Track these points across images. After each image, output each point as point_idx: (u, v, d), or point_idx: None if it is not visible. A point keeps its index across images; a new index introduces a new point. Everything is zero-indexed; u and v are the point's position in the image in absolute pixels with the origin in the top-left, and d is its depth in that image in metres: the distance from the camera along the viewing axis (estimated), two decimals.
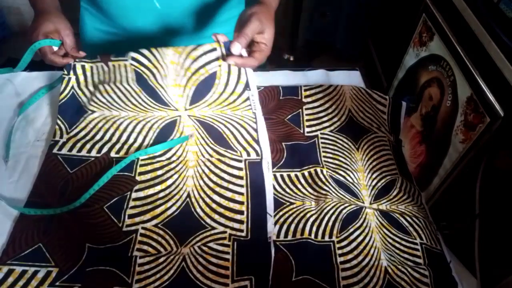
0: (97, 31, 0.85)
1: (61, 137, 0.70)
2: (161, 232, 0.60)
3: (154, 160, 0.68)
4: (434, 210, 0.70)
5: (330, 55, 2.02)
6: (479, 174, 0.61)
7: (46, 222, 0.60)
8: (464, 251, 0.64)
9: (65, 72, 0.73)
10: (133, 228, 0.60)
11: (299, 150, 0.73)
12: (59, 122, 0.71)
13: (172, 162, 0.68)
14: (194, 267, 0.56)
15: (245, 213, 0.63)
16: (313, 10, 1.90)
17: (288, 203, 0.65)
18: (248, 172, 0.67)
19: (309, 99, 0.81)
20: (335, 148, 0.74)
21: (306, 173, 0.69)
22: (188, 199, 0.64)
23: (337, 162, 0.71)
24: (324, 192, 0.66)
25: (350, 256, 0.60)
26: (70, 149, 0.69)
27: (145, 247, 0.59)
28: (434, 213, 0.69)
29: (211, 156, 0.69)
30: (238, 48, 0.63)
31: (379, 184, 0.70)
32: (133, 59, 0.67)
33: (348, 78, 0.87)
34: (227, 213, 0.63)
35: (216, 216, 0.62)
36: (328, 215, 0.63)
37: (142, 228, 0.61)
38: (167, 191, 0.65)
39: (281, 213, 0.64)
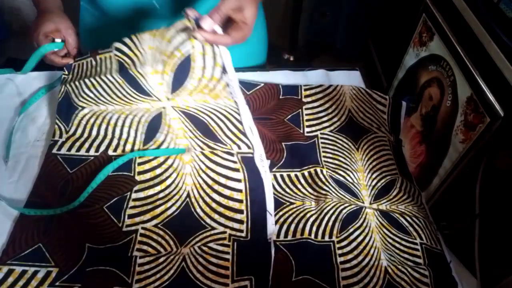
0: (96, 31, 0.85)
1: (60, 136, 0.70)
2: (161, 232, 0.60)
3: (152, 158, 0.68)
4: (434, 210, 0.69)
5: (330, 55, 2.02)
6: (479, 174, 0.61)
7: (46, 222, 0.60)
8: (464, 251, 0.64)
9: (65, 72, 0.73)
10: (133, 228, 0.60)
11: (299, 150, 0.73)
12: (57, 121, 0.71)
13: (169, 158, 0.68)
14: (194, 267, 0.56)
15: (245, 212, 0.63)
16: (313, 10, 1.90)
17: (288, 203, 0.65)
18: (243, 166, 0.67)
19: (309, 99, 0.81)
20: (335, 148, 0.73)
21: (306, 173, 0.69)
22: (188, 199, 0.64)
23: (337, 162, 0.71)
24: (324, 192, 0.66)
25: (350, 256, 0.60)
26: (69, 149, 0.69)
27: (145, 247, 0.59)
28: (434, 213, 0.69)
29: (203, 149, 0.68)
30: (208, 22, 0.59)
31: (379, 184, 0.70)
32: (117, 49, 0.67)
33: (348, 78, 0.87)
34: (227, 213, 0.63)
35: (216, 216, 0.62)
36: (328, 215, 0.63)
37: (142, 228, 0.61)
38: (166, 191, 0.65)
39: (281, 213, 0.64)
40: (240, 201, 0.64)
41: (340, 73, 0.88)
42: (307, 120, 0.78)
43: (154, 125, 0.70)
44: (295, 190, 0.67)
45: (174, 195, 0.64)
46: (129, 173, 0.66)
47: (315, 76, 0.87)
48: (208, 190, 0.65)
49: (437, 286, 0.58)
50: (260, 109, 0.79)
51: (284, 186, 0.68)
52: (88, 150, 0.69)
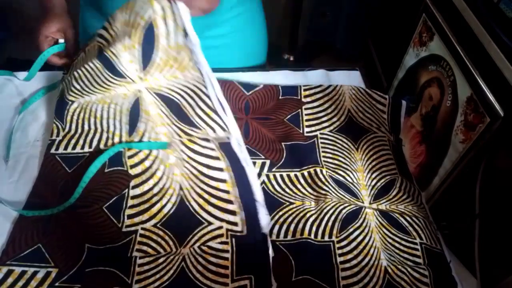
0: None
1: (58, 135, 0.70)
2: (160, 232, 0.60)
3: (138, 150, 0.67)
4: (434, 210, 0.69)
5: (330, 55, 2.02)
6: (479, 174, 0.61)
7: (46, 222, 0.60)
8: (464, 251, 0.64)
9: (65, 72, 0.73)
10: (132, 228, 0.60)
11: (299, 150, 0.73)
12: (54, 120, 0.71)
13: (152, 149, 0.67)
14: (193, 267, 0.56)
15: (235, 202, 0.62)
16: (313, 10, 1.90)
17: (287, 203, 0.65)
18: (222, 153, 0.64)
19: (308, 99, 0.81)
20: (335, 148, 0.73)
21: (305, 173, 0.69)
22: (181, 192, 0.63)
23: (336, 162, 0.71)
24: (323, 192, 0.66)
25: (350, 256, 0.60)
26: (66, 147, 0.69)
27: (145, 248, 0.59)
28: (434, 213, 0.69)
29: (180, 136, 0.67)
30: None
31: (378, 184, 0.70)
32: (98, 35, 0.65)
33: (348, 78, 0.87)
34: (219, 203, 0.62)
35: (210, 208, 0.62)
36: (328, 215, 0.63)
37: (142, 228, 0.60)
38: (160, 185, 0.64)
39: (280, 213, 0.64)
40: (227, 191, 0.62)
41: (340, 73, 0.88)
42: (307, 120, 0.78)
43: (135, 114, 0.68)
44: (295, 190, 0.67)
45: (168, 188, 0.64)
46: (122, 168, 0.66)
47: (315, 76, 0.87)
48: (197, 181, 0.64)
49: (437, 286, 0.58)
50: (259, 110, 0.79)
51: (283, 186, 0.68)
52: (83, 147, 0.68)
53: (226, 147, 0.64)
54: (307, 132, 0.76)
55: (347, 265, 0.59)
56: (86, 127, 0.70)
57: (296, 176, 0.69)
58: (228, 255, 0.58)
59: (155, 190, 0.64)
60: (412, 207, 0.67)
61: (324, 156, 0.72)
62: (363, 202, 0.67)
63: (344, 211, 0.64)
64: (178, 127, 0.66)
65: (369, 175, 0.71)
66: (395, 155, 0.74)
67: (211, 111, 0.65)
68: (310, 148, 0.73)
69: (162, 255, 0.58)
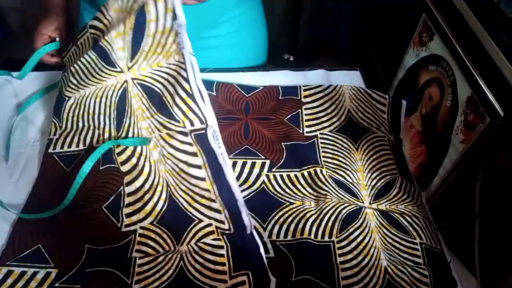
0: None
1: (55, 133, 0.70)
2: (158, 230, 0.60)
3: (125, 147, 0.65)
4: (434, 210, 0.69)
5: (330, 55, 2.02)
6: (479, 174, 0.61)
7: (46, 223, 0.60)
8: (464, 251, 0.64)
9: (64, 71, 0.73)
10: (132, 228, 0.60)
11: (299, 150, 0.72)
12: (53, 119, 0.71)
13: (137, 146, 0.65)
14: (191, 266, 0.56)
15: (217, 201, 0.60)
16: (313, 10, 1.90)
17: (287, 203, 0.65)
18: (199, 148, 0.61)
19: (308, 99, 0.81)
20: (335, 148, 0.73)
21: (305, 173, 0.69)
22: (169, 188, 0.63)
23: (336, 162, 0.71)
24: (323, 192, 0.66)
25: (350, 256, 0.60)
26: (62, 146, 0.68)
27: (144, 248, 0.59)
28: (434, 213, 0.69)
29: (160, 131, 0.63)
30: None
31: (378, 184, 0.70)
32: (91, 26, 0.64)
33: (348, 78, 0.87)
34: (203, 201, 0.60)
35: (197, 205, 0.61)
36: (328, 215, 0.63)
37: (141, 227, 0.60)
38: (149, 181, 0.63)
39: (280, 213, 0.64)
40: (207, 190, 0.60)
41: (340, 73, 0.88)
42: (307, 120, 0.78)
43: (121, 108, 0.66)
44: (295, 190, 0.67)
45: (157, 185, 0.63)
46: (114, 165, 0.65)
47: (315, 76, 0.87)
48: (179, 178, 0.62)
49: (436, 286, 0.58)
50: (259, 110, 0.79)
51: (283, 186, 0.68)
52: (78, 145, 0.68)
53: (202, 141, 0.60)
54: (307, 132, 0.76)
55: (347, 265, 0.59)
56: (80, 124, 0.69)
57: (296, 176, 0.69)
58: (223, 251, 0.58)
59: (146, 187, 0.63)
60: (412, 207, 0.67)
61: (324, 156, 0.72)
62: (363, 202, 0.67)
63: (344, 211, 0.64)
64: (157, 121, 0.63)
65: (369, 175, 0.71)
66: (395, 155, 0.74)
67: (190, 98, 0.60)
68: (310, 148, 0.73)
69: (161, 254, 0.58)
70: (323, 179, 0.68)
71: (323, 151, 0.73)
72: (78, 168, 0.64)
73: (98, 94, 0.66)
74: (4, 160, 0.69)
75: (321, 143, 0.74)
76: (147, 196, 0.62)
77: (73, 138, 0.69)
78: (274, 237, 0.61)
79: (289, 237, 0.61)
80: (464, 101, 0.65)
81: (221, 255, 0.57)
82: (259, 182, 0.68)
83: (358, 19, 1.83)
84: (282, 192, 0.67)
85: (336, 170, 0.70)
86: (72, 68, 0.67)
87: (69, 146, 0.68)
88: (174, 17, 0.59)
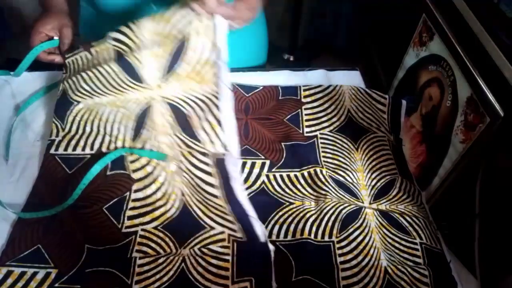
0: (96, 31, 0.85)
1: (57, 135, 0.70)
2: (160, 234, 0.60)
3: (140, 156, 0.67)
4: (434, 210, 0.69)
5: (330, 55, 2.02)
6: (479, 174, 0.61)
7: (45, 223, 0.60)
8: (464, 251, 0.64)
9: (64, 71, 0.73)
10: (132, 229, 0.60)
11: (299, 150, 0.72)
12: (54, 120, 0.71)
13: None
14: (194, 268, 0.56)
15: (231, 214, 0.61)
16: (313, 10, 1.90)
17: (287, 203, 0.65)
18: (217, 170, 0.63)
19: (308, 99, 0.81)
20: (335, 148, 0.73)
21: (305, 173, 0.69)
22: (183, 197, 0.64)
23: (336, 162, 0.71)
24: (323, 192, 0.66)
25: (350, 256, 0.60)
26: (66, 148, 0.68)
27: (145, 248, 0.59)
28: (434, 213, 0.69)
29: (181, 147, 0.66)
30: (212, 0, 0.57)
31: (378, 184, 0.70)
32: (114, 39, 0.66)
33: (348, 78, 0.87)
34: (218, 212, 0.62)
35: (212, 215, 0.62)
36: (328, 215, 0.63)
37: (142, 230, 0.60)
38: (163, 190, 0.64)
39: (280, 213, 0.64)
40: (221, 205, 0.62)
41: (340, 73, 0.88)
42: (307, 120, 0.78)
43: (141, 120, 0.68)
44: (295, 190, 0.67)
45: (171, 194, 0.64)
46: (125, 172, 0.66)
47: (315, 76, 0.88)
48: (195, 190, 0.64)
49: (436, 286, 0.58)
50: (259, 110, 0.79)
51: (283, 186, 0.68)
52: (84, 149, 0.68)
53: (221, 165, 0.63)
54: (307, 132, 0.76)
55: (347, 265, 0.59)
56: (88, 129, 0.70)
57: (296, 176, 0.69)
58: (228, 257, 0.58)
59: (159, 194, 0.64)
60: (412, 207, 0.67)
61: (324, 156, 0.72)
62: (363, 202, 0.67)
63: (344, 211, 0.64)
64: (179, 138, 0.66)
65: (369, 175, 0.71)
66: (395, 155, 0.74)
67: (217, 124, 0.63)
68: (310, 148, 0.73)
69: (162, 255, 0.58)
70: (323, 179, 0.68)
71: (323, 151, 0.73)
72: (84, 170, 0.65)
73: (117, 104, 0.69)
74: (4, 160, 0.69)
75: (321, 143, 0.74)
76: (159, 203, 0.63)
77: (79, 141, 0.69)
78: (274, 237, 0.61)
79: (289, 237, 0.61)
80: (464, 101, 0.65)
81: (226, 261, 0.57)
82: (259, 182, 0.68)
83: (358, 19, 1.83)
84: (282, 192, 0.67)
85: (336, 170, 0.70)
86: (84, 74, 0.68)
87: (74, 149, 0.68)
88: (217, 51, 0.63)
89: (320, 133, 0.76)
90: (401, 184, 0.70)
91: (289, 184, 0.68)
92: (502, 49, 0.60)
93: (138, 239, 0.59)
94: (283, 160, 0.71)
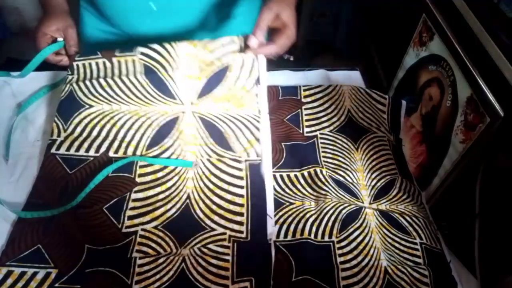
0: (96, 30, 0.85)
1: (59, 135, 0.70)
2: (160, 234, 0.60)
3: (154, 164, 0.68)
4: (434, 210, 0.69)
5: (330, 55, 2.02)
6: (479, 174, 0.61)
7: (45, 223, 0.60)
8: (464, 251, 0.64)
9: (69, 73, 0.73)
10: (132, 229, 0.60)
11: (299, 150, 0.72)
12: (56, 120, 0.71)
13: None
14: (194, 268, 0.56)
15: (245, 215, 0.63)
16: (313, 10, 1.90)
17: (287, 203, 0.65)
18: (248, 173, 0.67)
19: (308, 99, 0.81)
20: (335, 148, 0.73)
21: (305, 173, 0.69)
22: (188, 200, 0.64)
23: (336, 162, 0.71)
24: (323, 192, 0.66)
25: (350, 256, 0.60)
26: (68, 149, 0.68)
27: (145, 249, 0.59)
28: (434, 213, 0.69)
29: (210, 156, 0.68)
30: (253, 40, 0.65)
31: (378, 184, 0.70)
32: (142, 53, 0.68)
33: (348, 78, 0.87)
34: (227, 215, 0.63)
35: (216, 218, 0.62)
36: (328, 215, 0.63)
37: (142, 229, 0.60)
38: (167, 193, 0.64)
39: (280, 213, 0.64)
40: (241, 205, 0.64)
41: (340, 73, 0.88)
42: (307, 120, 0.78)
43: (165, 130, 0.70)
44: (295, 190, 0.67)
45: (174, 196, 0.64)
46: (129, 175, 0.66)
47: (315, 76, 0.88)
48: (209, 193, 0.65)
49: (436, 286, 0.58)
50: None
51: (283, 186, 0.68)
52: (87, 150, 0.68)
53: (254, 169, 0.67)
54: (307, 132, 0.76)
55: (347, 265, 0.59)
56: (94, 133, 0.70)
57: (296, 176, 0.69)
58: (228, 257, 0.58)
59: (161, 196, 0.64)
60: (412, 207, 0.67)
61: (324, 156, 0.72)
62: (363, 202, 0.67)
63: (344, 211, 0.64)
64: (210, 149, 0.69)
65: (369, 175, 0.71)
66: (395, 155, 0.74)
67: (256, 141, 0.69)
68: (310, 148, 0.73)
69: (162, 255, 0.58)
70: (323, 179, 0.68)
71: (323, 151, 0.73)
72: (85, 171, 0.65)
73: (139, 113, 0.71)
74: (4, 160, 0.69)
75: (321, 143, 0.74)
76: (159, 204, 0.63)
77: (83, 143, 0.69)
78: (274, 237, 0.61)
79: (289, 237, 0.61)
80: (464, 101, 0.65)
81: (226, 260, 0.57)
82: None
83: (358, 19, 1.83)
84: (282, 192, 0.67)
85: (336, 170, 0.70)
86: (102, 81, 0.70)
87: (77, 150, 0.68)
88: (257, 82, 0.69)
89: (320, 133, 0.76)
90: (401, 184, 0.70)
91: (289, 184, 0.68)
92: (502, 49, 0.60)
93: (138, 239, 0.59)
94: (283, 160, 0.71)
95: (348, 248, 0.60)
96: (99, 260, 0.56)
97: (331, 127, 0.77)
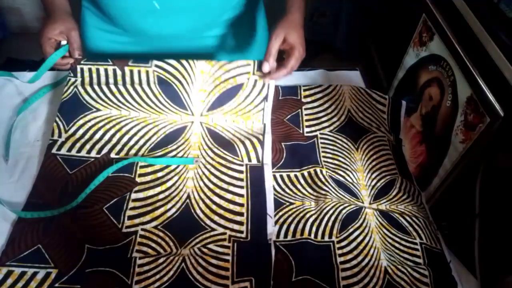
0: (98, 30, 0.85)
1: (60, 136, 0.70)
2: (160, 233, 0.60)
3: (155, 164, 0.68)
4: (434, 210, 0.69)
5: (330, 55, 2.02)
6: (479, 174, 0.61)
7: (46, 223, 0.60)
8: (464, 251, 0.64)
9: (71, 74, 0.73)
10: (132, 229, 0.60)
11: (299, 150, 0.73)
12: (57, 120, 0.71)
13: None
14: (194, 268, 0.56)
15: (245, 214, 0.63)
16: (313, 10, 1.90)
17: (287, 203, 0.65)
18: (248, 173, 0.67)
19: (308, 99, 0.81)
20: (335, 148, 0.73)
21: (305, 173, 0.69)
22: (188, 200, 0.64)
23: (336, 162, 0.71)
24: (323, 192, 0.66)
25: (350, 256, 0.60)
26: (69, 149, 0.68)
27: (145, 248, 0.59)
28: (434, 213, 0.69)
29: (212, 159, 0.69)
30: (266, 66, 0.69)
31: (378, 184, 0.70)
32: (157, 66, 0.70)
33: (348, 78, 0.87)
34: (227, 215, 0.63)
35: (215, 218, 0.62)
36: (328, 215, 0.63)
37: (142, 229, 0.60)
38: (166, 193, 0.65)
39: (280, 213, 0.64)
40: (241, 205, 0.64)
41: (340, 73, 0.89)
42: (307, 120, 0.78)
43: (171, 137, 0.71)
44: (295, 190, 0.67)
45: (174, 196, 0.64)
46: (130, 175, 0.66)
47: (315, 76, 0.88)
48: (209, 193, 0.65)
49: (436, 286, 0.58)
50: None
51: (283, 186, 0.68)
52: (89, 152, 0.69)
53: (254, 171, 0.68)
54: (307, 132, 0.76)
55: (347, 265, 0.59)
56: (97, 136, 0.70)
57: (296, 176, 0.69)
58: (228, 257, 0.58)
59: (161, 196, 0.64)
60: (412, 207, 0.67)
61: (324, 156, 0.72)
62: (363, 202, 0.67)
63: (344, 211, 0.64)
64: (214, 152, 0.70)
65: (369, 175, 0.71)
66: (395, 155, 0.74)
67: (260, 145, 0.71)
68: (310, 148, 0.73)
69: (162, 255, 0.58)
70: (323, 179, 0.68)
71: (323, 151, 0.73)
72: (86, 171, 0.66)
73: (148, 121, 0.73)
74: (4, 160, 0.69)
75: (321, 143, 0.74)
76: (159, 203, 0.63)
77: (85, 144, 0.69)
78: (274, 237, 0.61)
79: (289, 237, 0.61)
80: (464, 101, 0.65)
81: (226, 261, 0.57)
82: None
83: (358, 19, 1.83)
84: (282, 192, 0.67)
85: (336, 170, 0.70)
86: (113, 87, 0.71)
87: (78, 151, 0.69)
88: (265, 99, 0.73)
89: (320, 133, 0.76)
90: (401, 184, 0.70)
91: (289, 184, 0.68)
92: (502, 49, 0.60)
93: (138, 239, 0.59)
94: (283, 160, 0.71)
95: (348, 248, 0.60)
96: (99, 260, 0.57)
97: (331, 127, 0.77)
